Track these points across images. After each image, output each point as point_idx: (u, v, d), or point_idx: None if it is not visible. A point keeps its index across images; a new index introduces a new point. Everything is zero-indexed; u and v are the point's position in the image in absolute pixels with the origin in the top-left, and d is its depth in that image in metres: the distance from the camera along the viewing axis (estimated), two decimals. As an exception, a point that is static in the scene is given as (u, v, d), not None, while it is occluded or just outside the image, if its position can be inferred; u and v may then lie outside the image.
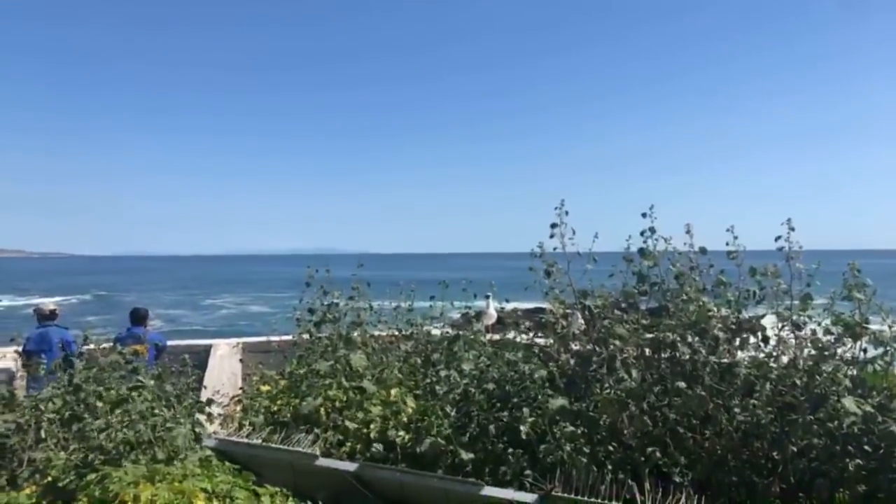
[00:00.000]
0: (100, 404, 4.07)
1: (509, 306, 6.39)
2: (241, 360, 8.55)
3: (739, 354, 3.83)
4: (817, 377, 3.53)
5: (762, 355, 3.81)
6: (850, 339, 3.65)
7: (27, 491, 3.33)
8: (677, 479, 3.48)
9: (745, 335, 3.80)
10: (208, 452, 3.58)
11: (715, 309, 3.85)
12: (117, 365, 4.54)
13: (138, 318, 7.73)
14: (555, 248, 4.07)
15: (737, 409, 3.65)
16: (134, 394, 4.08)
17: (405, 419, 4.25)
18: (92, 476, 3.07)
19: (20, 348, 6.25)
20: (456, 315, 7.11)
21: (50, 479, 3.42)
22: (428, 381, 4.79)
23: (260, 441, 3.63)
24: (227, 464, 3.42)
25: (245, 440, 3.67)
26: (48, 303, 7.68)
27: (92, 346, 4.97)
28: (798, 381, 3.57)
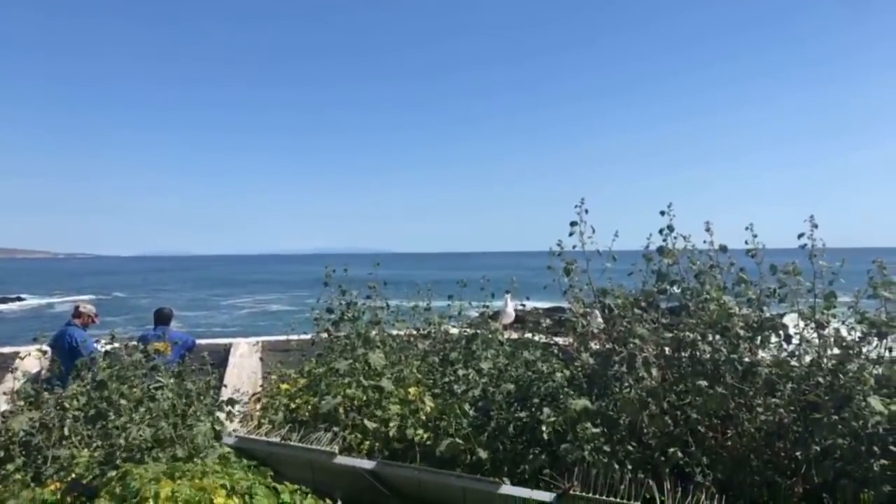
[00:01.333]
0: (123, 402, 4.13)
1: (528, 305, 6.38)
2: (260, 359, 8.62)
3: (761, 353, 3.78)
4: (841, 376, 3.47)
5: (784, 354, 3.76)
6: (875, 338, 3.58)
7: (51, 487, 3.38)
8: (699, 479, 3.44)
9: (766, 334, 3.75)
10: (228, 450, 3.61)
11: (736, 307, 3.81)
12: (140, 364, 4.60)
13: (162, 317, 7.81)
14: (574, 247, 4.05)
15: (759, 409, 3.61)
16: (157, 392, 4.14)
17: (423, 418, 4.26)
18: (114, 473, 3.11)
19: (43, 346, 6.38)
20: (474, 314, 7.11)
21: (73, 475, 3.47)
22: (446, 379, 4.79)
23: (279, 439, 3.65)
24: (245, 461, 3.46)
25: (264, 438, 3.70)
26: (81, 302, 7.79)
27: (117, 344, 5.03)
28: (822, 380, 3.52)
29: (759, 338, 3.73)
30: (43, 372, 5.59)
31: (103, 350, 5.18)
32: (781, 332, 3.69)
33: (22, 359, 6.48)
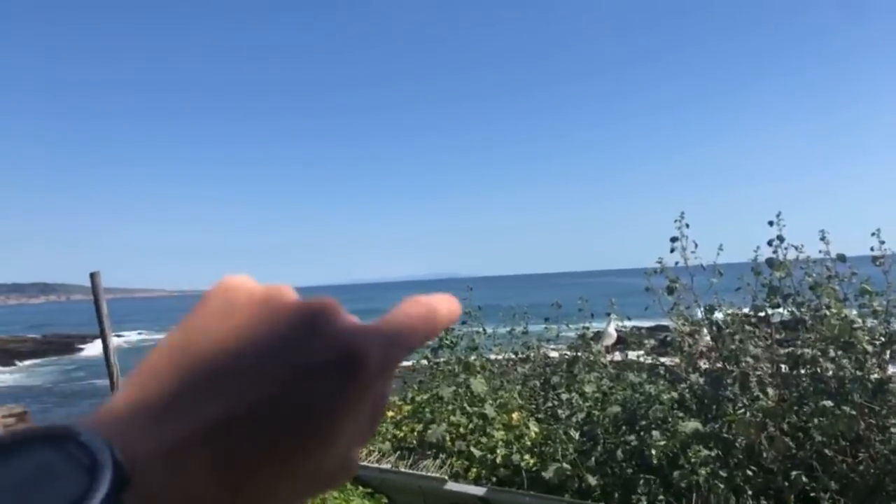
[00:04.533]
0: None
1: (629, 325, 6.22)
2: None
3: (891, 370, 3.52)
4: None
5: (920, 369, 3.49)
6: None
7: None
8: (829, 506, 3.23)
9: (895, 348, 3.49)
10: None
11: (860, 320, 3.57)
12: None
13: None
14: (676, 263, 3.95)
15: (893, 430, 3.35)
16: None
17: (528, 443, 4.24)
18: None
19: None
20: (572, 336, 7.01)
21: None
22: (549, 404, 4.75)
23: (389, 466, 3.75)
24: (361, 488, 3.56)
25: (376, 465, 3.80)
26: None
27: None
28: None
29: (888, 352, 3.48)
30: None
31: None
32: (914, 345, 3.44)
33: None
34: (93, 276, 5.84)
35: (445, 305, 0.36)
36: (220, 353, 0.29)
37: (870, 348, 3.43)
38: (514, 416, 4.56)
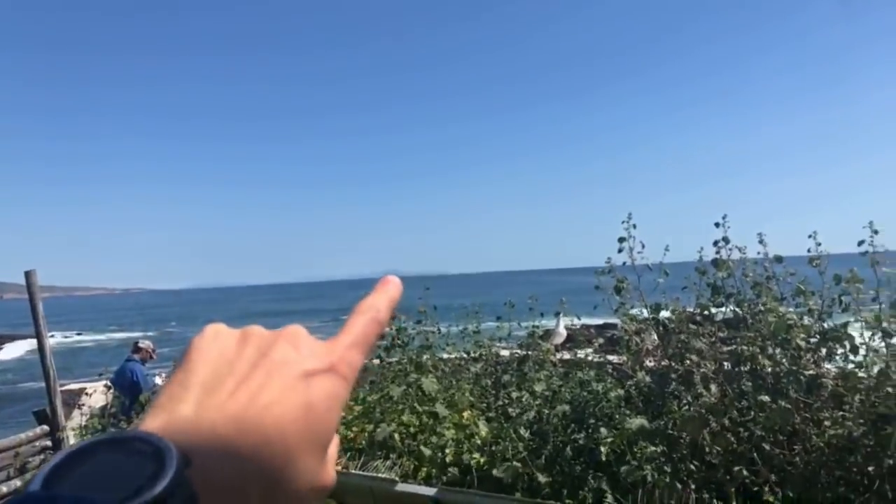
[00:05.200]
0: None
1: (578, 323, 6.32)
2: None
3: (826, 366, 3.66)
4: (913, 387, 3.34)
5: (851, 366, 3.63)
6: (948, 345, 3.44)
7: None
8: (767, 498, 3.34)
9: (830, 345, 3.63)
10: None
11: (795, 318, 3.71)
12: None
13: None
14: (624, 263, 4.02)
15: (827, 423, 3.49)
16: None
17: (479, 442, 4.25)
18: None
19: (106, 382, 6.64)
20: (524, 334, 7.07)
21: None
22: (500, 403, 4.78)
23: (339, 468, 3.70)
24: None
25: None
26: (140, 339, 8.12)
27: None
28: (892, 391, 3.38)
29: (823, 349, 3.62)
30: (110, 408, 5.79)
31: (158, 388, 5.35)
32: (847, 342, 3.58)
33: (89, 395, 6.72)
34: (27, 274, 5.59)
35: (385, 294, 0.45)
36: (225, 375, 0.36)
37: (804, 344, 3.56)
38: (465, 414, 4.57)
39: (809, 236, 3.81)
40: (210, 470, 0.32)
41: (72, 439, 5.87)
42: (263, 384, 0.36)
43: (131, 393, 6.72)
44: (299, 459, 0.34)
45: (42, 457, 6.13)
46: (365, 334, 0.42)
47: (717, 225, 3.94)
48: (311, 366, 0.37)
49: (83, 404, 5.72)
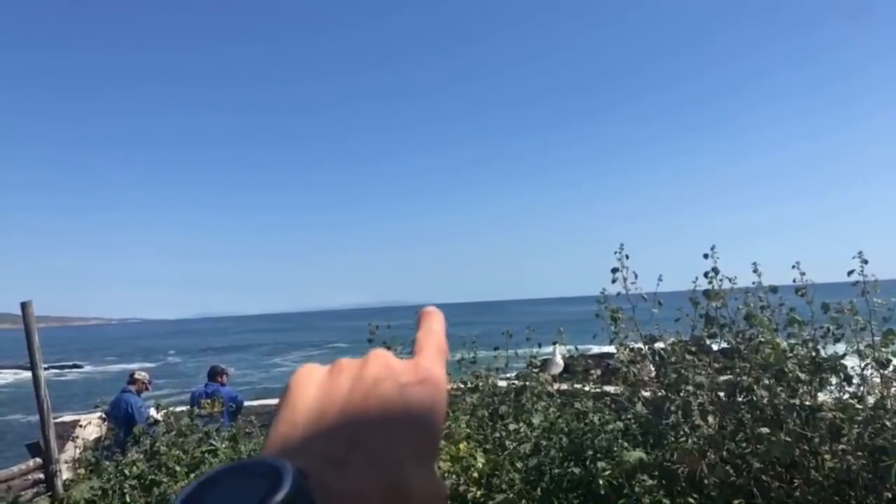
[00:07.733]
0: (178, 468, 4.22)
1: (576, 352, 6.29)
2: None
3: (821, 396, 3.65)
4: (910, 417, 3.33)
5: (846, 396, 3.62)
6: (942, 375, 3.44)
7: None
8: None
9: (824, 375, 3.63)
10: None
11: (788, 348, 3.71)
12: (194, 427, 4.71)
13: (213, 374, 8.04)
14: (618, 293, 4.03)
15: (825, 455, 3.47)
16: (209, 456, 4.21)
17: (476, 475, 4.21)
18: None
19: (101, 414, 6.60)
20: (521, 365, 7.04)
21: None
22: (497, 434, 4.74)
23: None
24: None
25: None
26: (136, 370, 8.10)
27: (160, 415, 5.18)
28: (888, 423, 3.37)
29: (818, 380, 3.61)
30: (105, 439, 5.74)
31: (153, 420, 5.32)
32: (841, 373, 3.57)
33: (83, 427, 6.66)
34: (24, 305, 5.58)
35: (438, 320, 0.47)
36: (326, 405, 0.39)
37: (803, 376, 3.55)
38: (462, 446, 4.53)
39: (793, 266, 3.84)
40: (327, 481, 0.34)
41: (65, 473, 5.80)
42: (364, 403, 0.38)
43: (127, 425, 6.66)
44: (408, 466, 0.36)
45: (35, 490, 6.06)
46: (440, 350, 0.44)
47: (706, 256, 3.96)
48: (406, 379, 0.40)
49: (77, 436, 5.66)
